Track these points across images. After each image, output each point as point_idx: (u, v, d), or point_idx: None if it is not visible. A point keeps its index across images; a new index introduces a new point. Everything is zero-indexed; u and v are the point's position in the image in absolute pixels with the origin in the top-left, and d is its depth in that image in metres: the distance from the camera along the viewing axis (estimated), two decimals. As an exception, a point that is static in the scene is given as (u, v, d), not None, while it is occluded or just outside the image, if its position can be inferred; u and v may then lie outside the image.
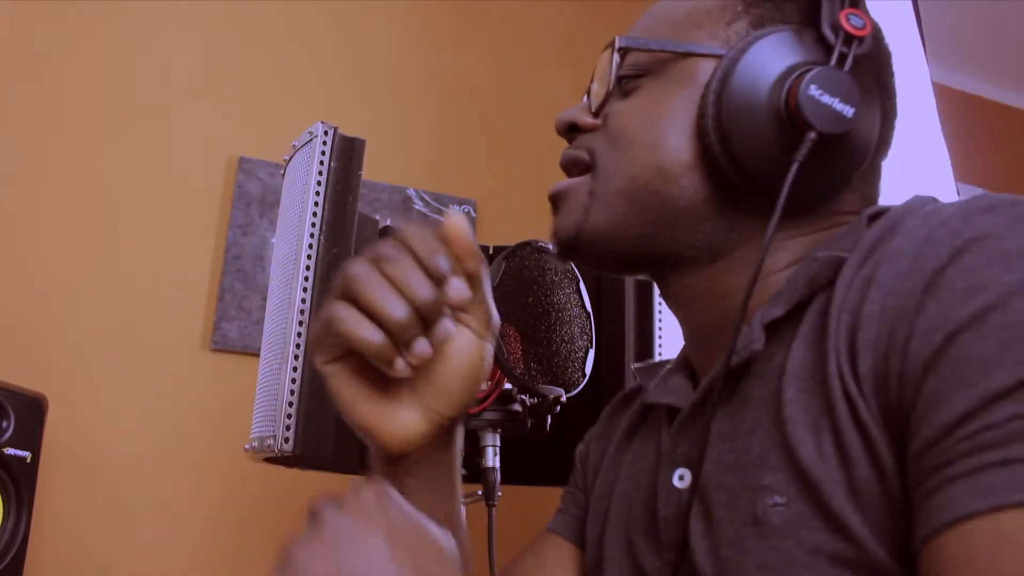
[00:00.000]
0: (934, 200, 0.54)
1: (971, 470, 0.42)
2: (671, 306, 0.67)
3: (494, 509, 0.97)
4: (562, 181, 0.67)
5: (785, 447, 0.51)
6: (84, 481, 1.59)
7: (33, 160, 1.72)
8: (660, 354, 1.23)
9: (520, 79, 2.18)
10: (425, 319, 0.50)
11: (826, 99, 0.55)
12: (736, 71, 0.57)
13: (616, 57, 0.62)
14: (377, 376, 0.55)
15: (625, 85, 0.63)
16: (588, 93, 0.68)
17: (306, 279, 0.99)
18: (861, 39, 0.57)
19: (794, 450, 0.50)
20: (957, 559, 0.41)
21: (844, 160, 0.58)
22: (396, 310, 0.49)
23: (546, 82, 2.17)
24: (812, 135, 0.55)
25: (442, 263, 0.51)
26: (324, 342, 0.53)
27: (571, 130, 0.67)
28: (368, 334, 0.50)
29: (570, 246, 0.65)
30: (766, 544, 0.50)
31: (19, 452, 1.23)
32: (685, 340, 0.68)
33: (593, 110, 0.65)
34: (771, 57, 0.57)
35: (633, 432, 0.72)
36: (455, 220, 0.53)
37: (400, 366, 0.51)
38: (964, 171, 1.89)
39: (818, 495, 0.48)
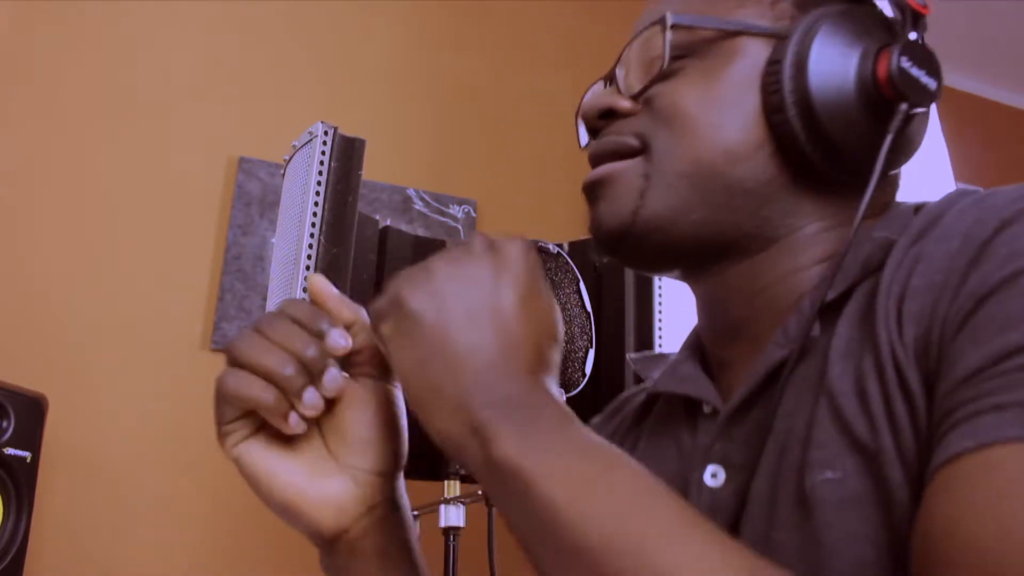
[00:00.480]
0: (980, 191, 0.54)
1: (969, 415, 0.42)
2: (702, 300, 0.65)
3: (494, 509, 0.97)
4: (602, 167, 0.62)
5: (837, 420, 0.50)
6: (84, 481, 1.59)
7: (33, 160, 1.72)
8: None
9: (520, 79, 2.18)
10: (311, 370, 0.53)
11: (915, 71, 0.55)
12: (814, 46, 0.56)
13: (669, 35, 0.59)
14: (293, 452, 0.56)
15: (666, 66, 0.61)
16: (609, 79, 0.66)
17: (306, 279, 0.99)
18: (924, 18, 0.58)
19: (848, 423, 0.49)
20: (943, 492, 0.41)
21: (909, 141, 0.59)
22: (281, 364, 0.52)
23: (546, 82, 2.17)
24: (904, 107, 0.55)
25: (317, 318, 0.54)
26: (223, 419, 0.54)
27: (604, 116, 0.63)
28: (258, 391, 0.52)
29: (620, 235, 0.60)
30: (819, 522, 0.49)
31: (19, 452, 1.23)
32: (706, 333, 0.65)
33: (632, 93, 0.62)
34: (846, 34, 0.57)
35: (639, 428, 0.70)
36: (315, 280, 0.57)
37: (295, 421, 0.53)
38: (964, 171, 1.89)
39: (876, 468, 0.47)
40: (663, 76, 0.60)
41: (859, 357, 0.51)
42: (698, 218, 0.59)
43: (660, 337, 1.23)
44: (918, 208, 0.56)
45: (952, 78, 2.81)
